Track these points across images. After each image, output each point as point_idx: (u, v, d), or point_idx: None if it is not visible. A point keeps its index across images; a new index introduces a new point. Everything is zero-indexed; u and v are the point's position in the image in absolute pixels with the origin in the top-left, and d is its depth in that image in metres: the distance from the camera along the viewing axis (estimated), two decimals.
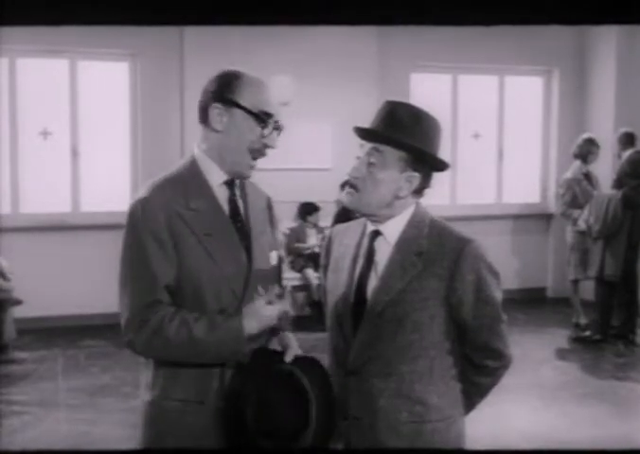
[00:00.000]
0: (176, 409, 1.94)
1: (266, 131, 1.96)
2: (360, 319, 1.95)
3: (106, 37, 6.56)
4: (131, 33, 6.59)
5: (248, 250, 2.00)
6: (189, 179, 1.98)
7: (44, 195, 7.01)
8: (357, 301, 1.97)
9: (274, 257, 2.10)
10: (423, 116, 1.95)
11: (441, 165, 1.99)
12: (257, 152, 1.99)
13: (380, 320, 1.92)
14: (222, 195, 2.01)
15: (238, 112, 1.95)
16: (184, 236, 1.91)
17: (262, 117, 1.95)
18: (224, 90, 1.95)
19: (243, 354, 1.89)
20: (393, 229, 1.98)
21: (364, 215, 2.01)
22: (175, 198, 1.94)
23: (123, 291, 1.94)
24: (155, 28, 6.46)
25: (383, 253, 1.98)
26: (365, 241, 2.02)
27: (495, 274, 1.98)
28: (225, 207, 2.00)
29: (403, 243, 1.96)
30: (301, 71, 7.16)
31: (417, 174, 1.95)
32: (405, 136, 1.91)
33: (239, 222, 2.01)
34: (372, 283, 1.97)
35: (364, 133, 1.97)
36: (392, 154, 1.92)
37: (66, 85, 6.99)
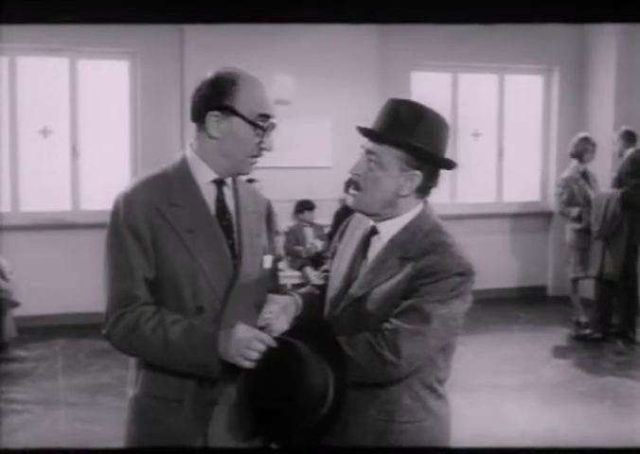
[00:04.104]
0: (156, 406, 1.94)
1: (265, 138, 1.96)
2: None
3: (106, 36, 6.55)
4: (131, 32, 6.58)
5: (234, 249, 1.98)
6: (175, 176, 1.98)
7: (44, 193, 7.00)
8: (343, 293, 1.99)
9: (268, 261, 2.08)
10: (426, 114, 1.93)
11: (446, 164, 1.97)
12: (257, 156, 1.98)
13: (342, 316, 1.96)
14: (209, 194, 1.99)
15: (235, 119, 1.93)
16: (163, 232, 1.91)
17: (260, 124, 1.94)
18: (221, 96, 1.92)
19: (213, 368, 1.85)
20: (389, 229, 1.98)
21: (367, 215, 2.01)
22: (157, 194, 1.93)
23: (104, 286, 1.95)
24: (155, 27, 6.46)
25: (375, 250, 1.99)
26: (364, 235, 2.04)
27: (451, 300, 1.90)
28: (212, 206, 1.99)
29: (392, 245, 1.96)
30: (301, 70, 7.16)
31: (418, 172, 1.93)
32: (404, 135, 1.89)
33: (225, 221, 2.00)
34: (359, 278, 1.98)
35: (364, 132, 1.97)
36: (389, 153, 1.91)
37: (66, 84, 6.98)
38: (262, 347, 1.82)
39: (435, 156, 1.95)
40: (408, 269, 1.89)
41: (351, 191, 1.98)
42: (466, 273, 1.89)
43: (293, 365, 1.80)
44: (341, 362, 1.87)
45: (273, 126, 1.98)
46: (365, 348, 1.86)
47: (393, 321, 1.86)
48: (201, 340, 1.85)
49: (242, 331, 1.83)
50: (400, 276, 1.90)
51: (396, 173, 1.92)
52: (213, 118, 1.94)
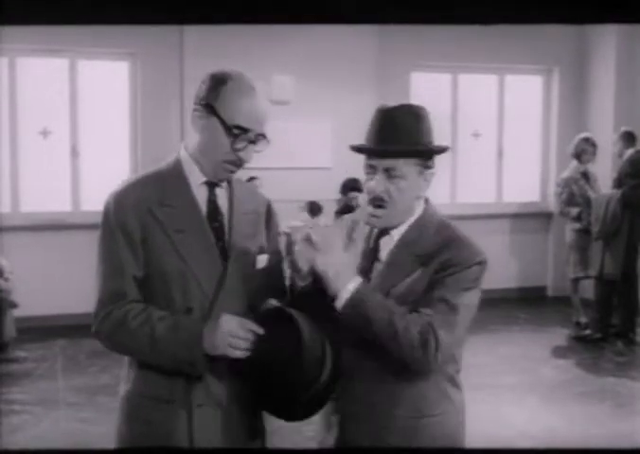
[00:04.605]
0: (146, 406, 1.94)
1: (238, 145, 1.91)
2: None
3: (106, 36, 6.55)
4: (131, 33, 6.59)
5: (224, 250, 1.97)
6: (168, 176, 1.97)
7: (44, 194, 7.00)
8: None
9: (262, 261, 2.06)
10: (420, 113, 1.95)
11: (444, 151, 2.00)
12: (232, 163, 1.94)
13: None
14: (201, 195, 1.98)
15: (214, 120, 1.90)
16: (153, 232, 1.91)
17: (234, 132, 1.90)
18: (208, 94, 1.91)
19: (198, 364, 1.86)
20: (400, 228, 1.99)
21: (391, 228, 1.99)
22: (149, 193, 1.93)
23: (95, 283, 1.97)
24: (155, 28, 6.47)
25: (386, 250, 1.99)
26: (373, 237, 2.03)
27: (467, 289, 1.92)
28: (203, 207, 1.98)
29: (404, 243, 1.96)
30: (301, 70, 7.16)
31: (431, 170, 1.97)
32: (414, 143, 1.91)
33: (216, 222, 1.99)
34: (373, 279, 1.97)
35: (371, 153, 1.95)
36: (407, 163, 1.92)
37: (66, 84, 6.98)
38: (248, 335, 1.83)
39: (441, 149, 1.98)
40: (426, 266, 1.91)
41: (373, 210, 1.95)
42: (483, 262, 1.93)
43: (289, 336, 1.81)
44: (333, 329, 1.87)
45: (254, 139, 1.93)
46: (417, 335, 1.83)
47: (428, 311, 1.86)
48: (186, 337, 1.85)
49: (226, 322, 1.84)
50: (418, 274, 1.91)
51: (416, 178, 1.94)
52: (196, 113, 1.94)
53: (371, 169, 1.95)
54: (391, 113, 1.93)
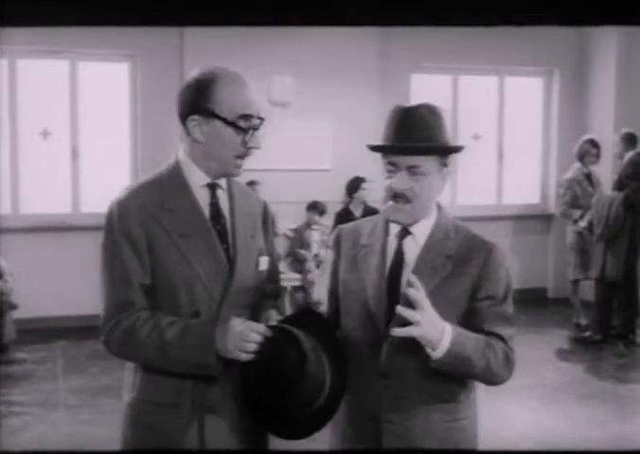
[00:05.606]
0: (152, 411, 1.93)
1: (247, 137, 1.92)
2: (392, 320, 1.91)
3: (106, 37, 6.54)
4: (131, 34, 6.58)
5: (229, 252, 1.97)
6: (169, 181, 1.97)
7: (45, 195, 7.01)
8: (390, 301, 1.92)
9: (263, 262, 2.06)
10: (438, 111, 1.93)
11: (461, 150, 2.00)
12: (243, 155, 1.95)
13: None
14: (203, 197, 1.98)
15: (216, 121, 1.90)
16: (158, 237, 1.90)
17: (241, 125, 1.90)
18: (200, 99, 1.90)
19: (212, 366, 1.85)
20: (423, 230, 1.97)
21: (411, 225, 1.97)
22: (151, 199, 1.92)
23: (101, 293, 1.95)
24: (155, 28, 6.46)
25: (412, 253, 1.96)
26: (393, 240, 1.99)
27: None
28: (206, 210, 1.98)
29: (432, 245, 1.95)
30: (302, 71, 7.16)
31: (448, 169, 1.96)
32: (435, 140, 1.90)
33: (219, 225, 1.98)
34: (403, 283, 1.93)
35: (395, 150, 1.92)
36: (429, 160, 1.91)
37: (66, 86, 6.98)
38: (258, 338, 1.82)
39: (458, 148, 1.98)
40: (461, 267, 1.93)
41: (395, 205, 1.92)
42: (504, 256, 2.03)
43: (290, 353, 1.80)
44: (338, 351, 1.87)
45: (257, 124, 1.94)
46: (502, 355, 1.90)
47: (497, 330, 1.92)
48: (198, 339, 1.85)
49: (237, 324, 1.83)
50: (452, 275, 1.92)
51: (437, 175, 1.93)
52: (193, 123, 1.92)
53: (393, 167, 1.91)
54: (411, 111, 1.91)
